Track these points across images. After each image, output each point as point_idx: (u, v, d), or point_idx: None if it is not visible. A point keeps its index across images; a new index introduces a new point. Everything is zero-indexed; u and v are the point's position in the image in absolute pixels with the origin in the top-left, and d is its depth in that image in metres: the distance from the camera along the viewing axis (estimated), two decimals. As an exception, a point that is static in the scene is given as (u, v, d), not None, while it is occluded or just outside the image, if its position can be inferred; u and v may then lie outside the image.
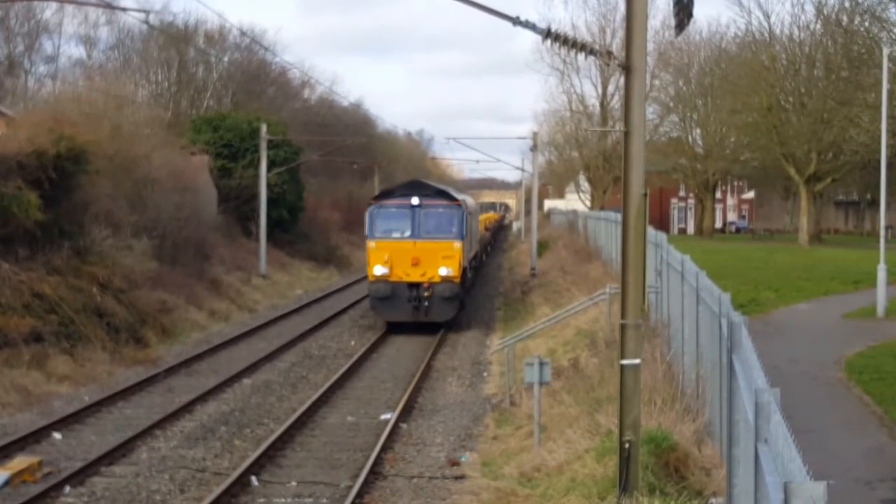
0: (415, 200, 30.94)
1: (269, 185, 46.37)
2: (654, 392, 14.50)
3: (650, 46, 62.42)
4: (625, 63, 11.35)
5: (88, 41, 67.26)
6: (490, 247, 69.78)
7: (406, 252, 30.71)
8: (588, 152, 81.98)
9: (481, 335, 31.26)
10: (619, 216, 17.55)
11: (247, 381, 23.80)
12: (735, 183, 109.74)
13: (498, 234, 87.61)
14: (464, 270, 32.36)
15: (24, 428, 18.63)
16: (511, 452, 15.64)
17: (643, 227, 11.31)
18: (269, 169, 46.26)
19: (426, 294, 30.66)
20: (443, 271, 30.59)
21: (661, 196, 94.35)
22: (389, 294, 30.55)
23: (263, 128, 46.96)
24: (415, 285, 30.68)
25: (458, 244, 30.95)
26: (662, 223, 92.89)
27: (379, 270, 30.63)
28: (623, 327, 11.35)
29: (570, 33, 11.81)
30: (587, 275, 35.60)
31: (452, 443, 17.82)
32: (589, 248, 48.36)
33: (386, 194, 32.76)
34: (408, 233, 31.03)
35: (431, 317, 30.86)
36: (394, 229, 31.10)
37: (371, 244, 31.07)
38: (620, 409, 11.33)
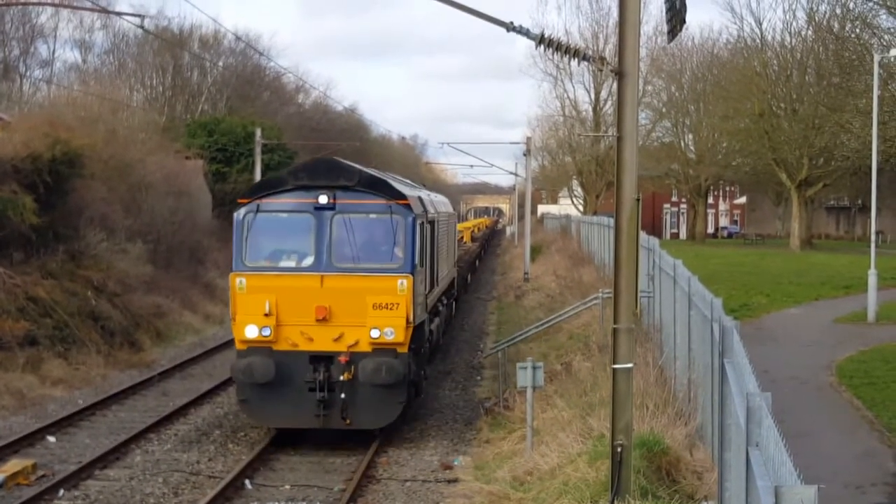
0: (323, 198, 17.43)
1: (262, 190, 46.26)
2: (646, 396, 14.59)
3: (643, 52, 62.59)
4: (617, 69, 11.45)
5: (84, 45, 67.25)
6: (479, 260, 60.58)
7: (305, 296, 17.28)
8: (581, 157, 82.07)
9: (474, 339, 31.30)
10: (611, 221, 17.65)
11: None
12: (727, 188, 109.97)
13: (491, 240, 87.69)
14: (418, 327, 18.37)
15: (19, 431, 18.67)
16: (504, 456, 15.71)
17: (636, 232, 11.40)
18: (263, 173, 46.29)
19: (342, 377, 17.15)
20: (376, 333, 17.14)
21: (653, 201, 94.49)
22: (271, 378, 17.07)
23: (258, 132, 47.02)
24: (322, 359, 17.29)
25: (405, 281, 17.29)
26: (655, 228, 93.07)
27: (252, 332, 17.18)
28: (615, 331, 11.44)
29: (564, 39, 11.89)
30: (580, 279, 35.68)
31: (445, 446, 17.90)
32: (582, 252, 48.47)
33: (269, 185, 18.50)
34: (308, 259, 17.60)
35: (354, 420, 17.34)
36: (282, 252, 18.00)
37: (238, 282, 17.39)
38: (613, 413, 11.42)
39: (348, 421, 17.38)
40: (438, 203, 25.93)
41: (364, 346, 17.28)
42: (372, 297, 17.22)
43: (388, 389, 17.27)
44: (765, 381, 10.30)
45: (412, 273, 17.41)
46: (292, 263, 17.80)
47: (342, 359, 17.21)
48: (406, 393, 17.77)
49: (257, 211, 17.74)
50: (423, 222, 18.73)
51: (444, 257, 25.12)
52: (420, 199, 19.92)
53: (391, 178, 21.81)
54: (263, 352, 17.26)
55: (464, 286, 41.29)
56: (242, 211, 17.82)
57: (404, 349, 17.40)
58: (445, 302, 27.17)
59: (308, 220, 17.58)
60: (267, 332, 17.25)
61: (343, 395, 17.22)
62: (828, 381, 21.83)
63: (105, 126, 37.74)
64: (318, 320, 17.27)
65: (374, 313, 17.19)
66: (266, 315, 17.24)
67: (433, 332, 22.72)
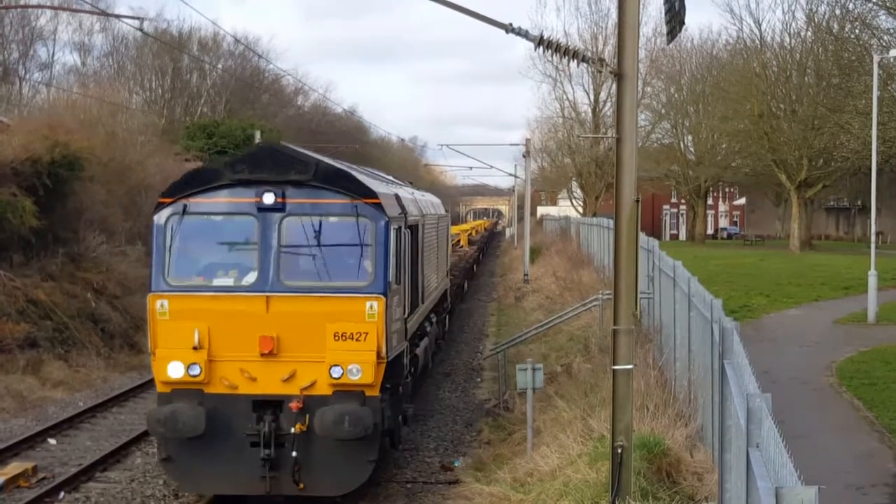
0: (269, 197, 13.93)
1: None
2: (646, 397, 14.60)
3: (642, 54, 62.69)
4: (617, 70, 11.46)
5: (83, 48, 67.39)
6: (477, 265, 56.69)
7: (245, 324, 13.75)
8: (580, 159, 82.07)
9: (474, 340, 31.30)
10: (611, 222, 17.66)
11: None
12: (726, 189, 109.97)
13: (489, 243, 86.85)
14: (395, 362, 14.69)
15: (19, 433, 18.69)
16: (504, 457, 15.72)
17: (635, 234, 11.41)
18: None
19: (294, 429, 13.56)
20: (337, 372, 13.60)
21: (652, 202, 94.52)
22: (202, 430, 13.48)
23: (257, 134, 47.06)
24: (268, 405, 13.71)
25: (375, 304, 13.75)
26: (654, 229, 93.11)
27: (177, 370, 13.66)
28: (615, 333, 11.44)
29: (563, 41, 11.89)
30: (580, 281, 35.68)
31: (446, 448, 17.91)
32: (581, 254, 48.47)
33: (200, 180, 14.44)
34: (251, 276, 14.06)
35: (309, 485, 13.72)
36: (216, 267, 14.38)
37: (159, 305, 13.83)
38: (613, 414, 11.42)
39: (302, 485, 13.52)
40: (425, 203, 22.27)
41: (323, 389, 13.45)
42: (333, 324, 13.39)
43: (354, 445, 13.41)
44: (765, 382, 10.31)
45: (385, 293, 13.64)
46: (229, 281, 13.89)
47: (294, 405, 13.37)
48: (377, 448, 13.85)
49: (184, 213, 13.98)
50: (400, 227, 15.12)
51: (432, 268, 21.70)
52: (397, 197, 16.18)
53: (360, 170, 17.64)
54: (192, 396, 13.47)
55: (460, 295, 38.10)
56: (165, 213, 14.03)
57: (375, 391, 13.59)
58: (435, 319, 23.50)
59: (250, 224, 13.85)
60: (196, 370, 13.47)
61: (295, 453, 13.38)
62: (828, 381, 21.83)
63: (104, 129, 37.78)
64: (262, 355, 13.42)
65: (335, 346, 13.39)
66: (195, 349, 13.46)
67: (419, 357, 18.58)
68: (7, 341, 22.89)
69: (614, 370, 11.42)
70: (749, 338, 19.33)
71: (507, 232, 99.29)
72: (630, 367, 11.40)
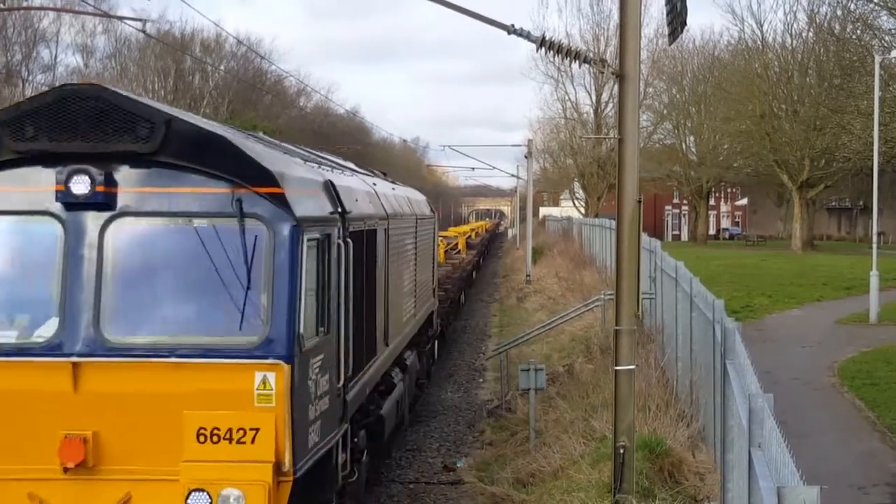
0: (80, 184, 8.19)
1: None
2: (648, 398, 14.61)
3: (644, 54, 62.74)
4: (619, 71, 11.48)
5: (85, 50, 67.56)
6: (476, 271, 50.98)
7: (39, 412, 8.06)
8: (582, 159, 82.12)
9: (477, 341, 31.32)
10: (613, 223, 17.69)
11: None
12: (728, 190, 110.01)
13: (490, 245, 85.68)
14: (314, 473, 8.84)
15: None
16: (506, 458, 15.72)
17: (637, 234, 11.42)
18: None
19: None
20: (202, 501, 7.86)
21: (655, 203, 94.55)
22: None
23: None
24: None
25: (272, 376, 8.09)
26: (656, 230, 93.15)
27: None
28: (617, 333, 11.46)
29: (565, 42, 11.91)
30: (582, 281, 35.70)
31: (448, 448, 17.93)
32: (583, 254, 48.48)
33: None
34: (48, 326, 8.27)
35: None
36: None
37: None
38: (615, 414, 11.44)
39: None
40: (395, 199, 16.10)
41: None
42: (195, 413, 8.10)
43: None
44: (767, 382, 10.32)
45: (290, 355, 8.20)
46: (10, 336, 8.35)
47: None
48: None
49: None
50: (330, 235, 9.43)
51: (406, 291, 16.02)
52: (329, 187, 10.11)
53: (262, 140, 11.59)
54: None
55: (455, 311, 32.19)
56: None
57: None
58: (414, 355, 17.83)
59: (47, 233, 8.38)
60: None
61: None
62: (830, 381, 21.85)
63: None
64: (68, 469, 8.03)
65: (199, 453, 8.05)
66: None
67: (383, 420, 12.92)
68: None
69: (616, 370, 11.44)
70: (751, 338, 19.36)
71: (510, 233, 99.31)
72: (632, 367, 11.42)
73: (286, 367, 8.15)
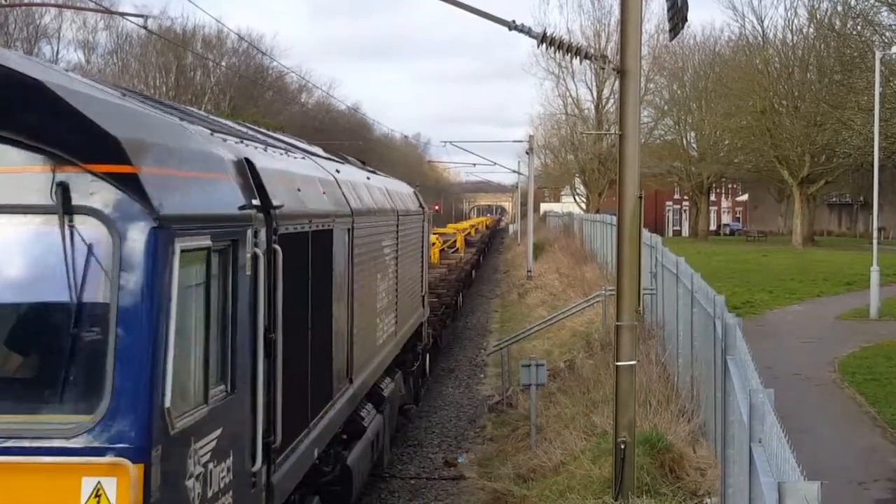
0: None
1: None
2: (649, 393, 14.64)
3: (645, 50, 62.60)
4: (619, 67, 11.50)
5: (87, 46, 67.55)
6: (476, 269, 48.73)
7: None
8: (583, 155, 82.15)
9: (478, 337, 31.34)
10: (614, 219, 17.70)
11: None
12: (729, 185, 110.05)
13: (491, 242, 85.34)
14: None
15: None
16: (507, 453, 15.75)
17: (638, 230, 11.44)
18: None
19: None
20: None
21: (655, 199, 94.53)
22: None
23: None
24: None
25: (110, 483, 4.81)
26: (657, 226, 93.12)
27: None
28: (618, 329, 11.49)
29: (566, 37, 11.93)
30: (583, 277, 35.73)
31: (449, 444, 17.95)
32: (584, 250, 48.52)
33: None
34: None
35: None
36: None
37: None
38: (616, 410, 11.47)
39: None
40: (368, 189, 13.25)
41: None
42: None
43: None
44: (767, 378, 10.34)
45: (143, 448, 5.05)
46: None
47: None
48: None
49: None
50: (237, 243, 6.48)
51: (383, 307, 13.47)
52: (243, 169, 7.12)
53: (129, 94, 7.39)
54: None
55: (451, 315, 29.23)
56: None
57: None
58: (393, 381, 14.94)
59: None
60: None
61: None
62: (830, 377, 21.88)
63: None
64: None
65: None
66: None
67: (351, 469, 10.57)
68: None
69: (617, 366, 11.47)
70: (752, 334, 19.35)
71: (511, 228, 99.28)
72: (633, 363, 11.46)
73: (135, 469, 4.93)
